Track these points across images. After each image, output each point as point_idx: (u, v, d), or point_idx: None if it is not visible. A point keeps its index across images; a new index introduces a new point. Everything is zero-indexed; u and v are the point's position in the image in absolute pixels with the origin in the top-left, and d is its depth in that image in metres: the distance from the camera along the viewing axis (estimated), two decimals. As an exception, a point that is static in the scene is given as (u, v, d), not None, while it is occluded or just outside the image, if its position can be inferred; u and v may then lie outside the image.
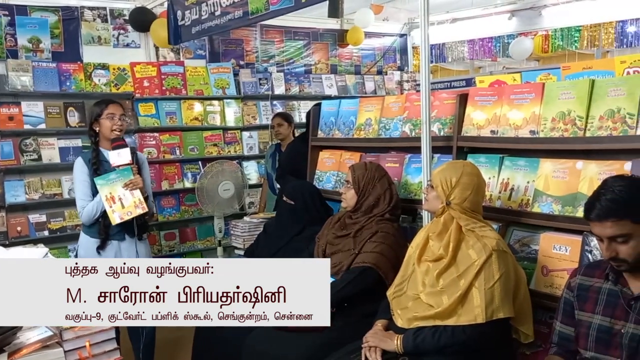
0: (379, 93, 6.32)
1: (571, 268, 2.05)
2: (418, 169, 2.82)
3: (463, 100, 2.68)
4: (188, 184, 5.06)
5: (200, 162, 5.13)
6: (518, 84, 2.84)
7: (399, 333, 2.10)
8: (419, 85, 2.82)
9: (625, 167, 2.05)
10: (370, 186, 2.64)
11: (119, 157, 2.89)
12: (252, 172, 5.46)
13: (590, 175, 2.14)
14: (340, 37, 6.29)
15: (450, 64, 7.42)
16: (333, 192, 3.28)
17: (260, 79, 5.57)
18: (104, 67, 4.73)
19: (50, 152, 4.50)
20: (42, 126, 4.46)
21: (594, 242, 2.05)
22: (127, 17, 4.96)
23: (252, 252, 3.15)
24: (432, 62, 6.65)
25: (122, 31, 4.98)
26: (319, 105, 3.70)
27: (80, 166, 3.00)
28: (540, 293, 2.20)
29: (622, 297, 1.70)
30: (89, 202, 2.94)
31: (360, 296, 2.46)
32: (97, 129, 3.00)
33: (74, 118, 4.57)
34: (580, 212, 2.11)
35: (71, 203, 3.07)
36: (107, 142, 2.98)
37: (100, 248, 2.98)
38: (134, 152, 3.00)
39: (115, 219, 2.87)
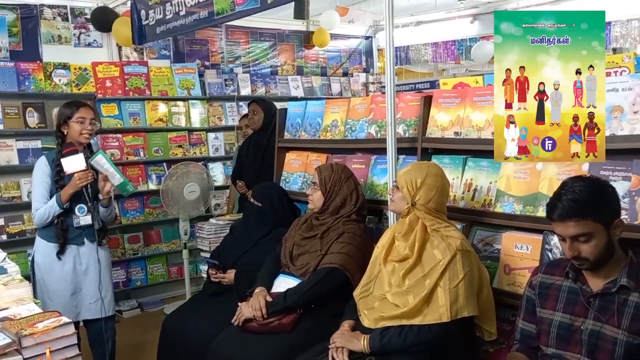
0: (344, 94, 6.35)
1: (532, 266, 2.10)
2: (384, 170, 2.84)
3: (427, 102, 2.72)
4: (152, 186, 4.98)
5: (165, 164, 5.05)
6: (480, 87, 2.90)
7: (366, 333, 2.12)
8: (384, 87, 2.85)
9: (583, 167, 2.11)
10: (336, 187, 2.64)
11: (71, 164, 2.78)
12: (218, 173, 5.40)
13: (550, 176, 2.20)
14: (306, 39, 6.29)
15: (414, 66, 7.49)
16: (300, 193, 3.28)
17: (225, 80, 5.53)
18: (65, 66, 4.62)
19: (9, 153, 4.37)
20: (0, 127, 4.33)
21: (554, 240, 2.11)
22: (88, 16, 4.85)
23: (218, 254, 3.12)
24: (397, 64, 6.72)
25: (83, 30, 4.87)
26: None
27: (42, 166, 2.91)
28: (503, 291, 2.25)
29: (582, 294, 1.74)
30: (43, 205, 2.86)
31: (328, 297, 2.47)
32: (66, 131, 2.90)
33: (33, 119, 4.45)
34: (540, 212, 2.16)
35: (30, 206, 2.97)
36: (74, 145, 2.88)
37: (60, 253, 2.90)
38: (87, 156, 2.88)
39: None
